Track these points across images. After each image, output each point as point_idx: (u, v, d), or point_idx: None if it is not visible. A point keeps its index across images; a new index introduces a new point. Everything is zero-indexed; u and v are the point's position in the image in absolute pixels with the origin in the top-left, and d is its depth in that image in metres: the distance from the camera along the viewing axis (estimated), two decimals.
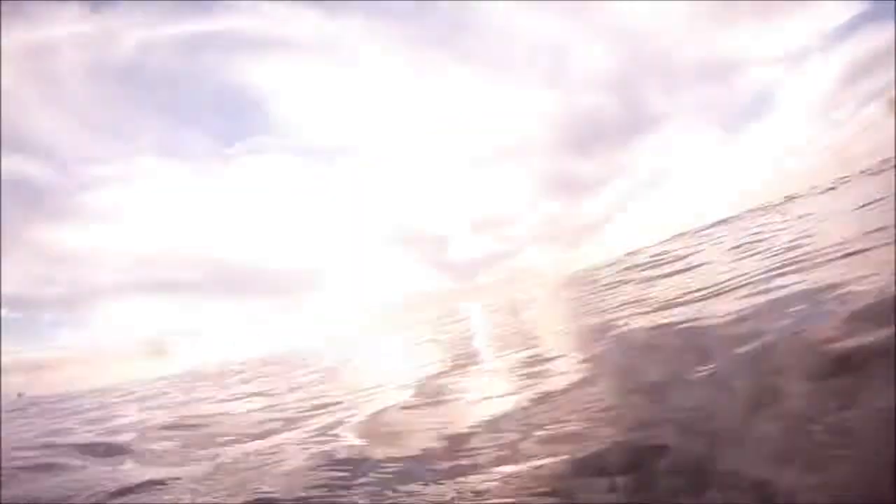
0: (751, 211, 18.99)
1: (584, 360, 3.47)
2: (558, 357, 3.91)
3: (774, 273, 4.21)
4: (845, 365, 1.84)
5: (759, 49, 53.69)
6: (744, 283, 4.21)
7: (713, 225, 20.24)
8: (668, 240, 21.02)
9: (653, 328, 3.76)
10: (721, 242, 10.96)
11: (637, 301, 5.76)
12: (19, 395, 28.15)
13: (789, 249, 5.54)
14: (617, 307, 5.89)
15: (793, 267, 4.23)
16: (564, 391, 2.85)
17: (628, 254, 20.68)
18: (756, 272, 4.65)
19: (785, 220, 11.15)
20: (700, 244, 12.93)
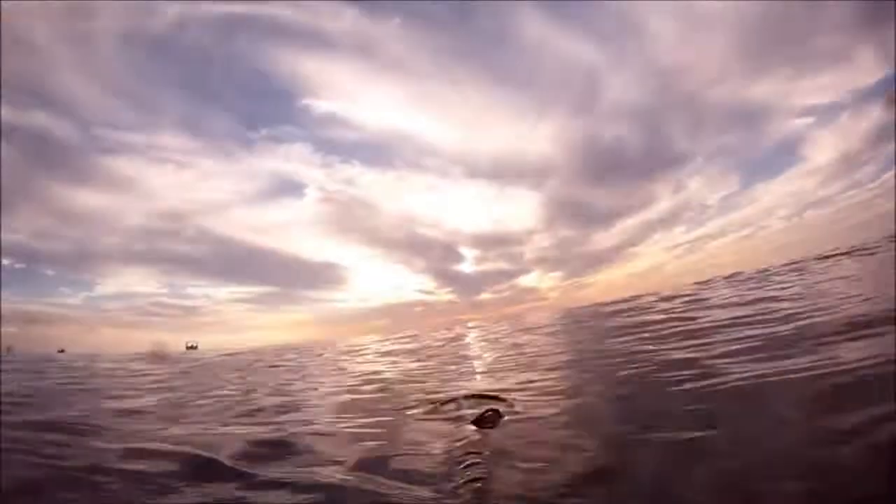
0: (762, 271, 18.52)
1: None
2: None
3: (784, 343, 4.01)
4: None
5: (789, 100, 53.34)
6: (749, 349, 4.01)
7: (724, 278, 19.81)
8: (673, 292, 20.63)
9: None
10: (728, 298, 10.63)
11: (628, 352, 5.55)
12: (8, 349, 28.23)
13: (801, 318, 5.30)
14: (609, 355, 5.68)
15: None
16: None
17: (631, 297, 20.29)
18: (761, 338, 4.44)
19: (798, 282, 10.80)
20: (706, 296, 12.60)
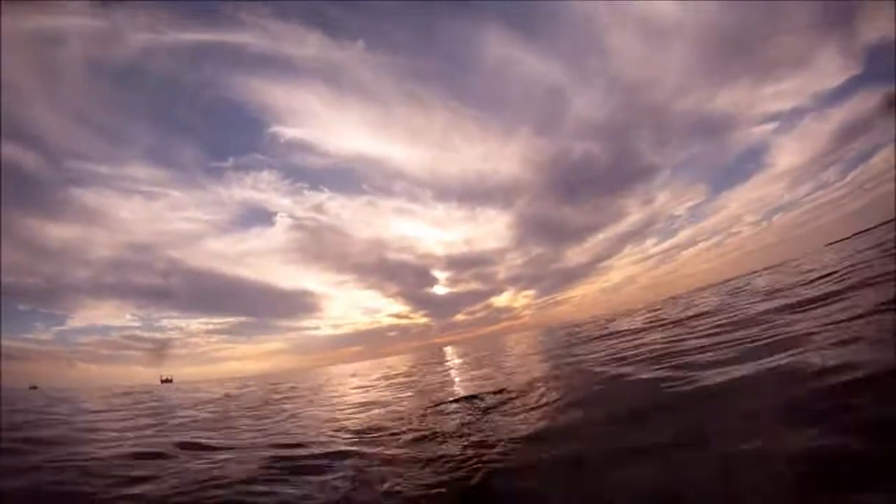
0: (736, 277, 18.86)
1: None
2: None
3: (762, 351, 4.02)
4: None
5: (752, 107, 55.48)
6: (725, 357, 4.03)
7: (699, 289, 20.07)
8: (646, 307, 20.84)
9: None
10: (705, 308, 10.75)
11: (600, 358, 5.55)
12: None
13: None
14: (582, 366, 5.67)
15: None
16: None
17: (607, 318, 20.37)
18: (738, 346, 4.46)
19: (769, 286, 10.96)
20: (679, 308, 12.73)
